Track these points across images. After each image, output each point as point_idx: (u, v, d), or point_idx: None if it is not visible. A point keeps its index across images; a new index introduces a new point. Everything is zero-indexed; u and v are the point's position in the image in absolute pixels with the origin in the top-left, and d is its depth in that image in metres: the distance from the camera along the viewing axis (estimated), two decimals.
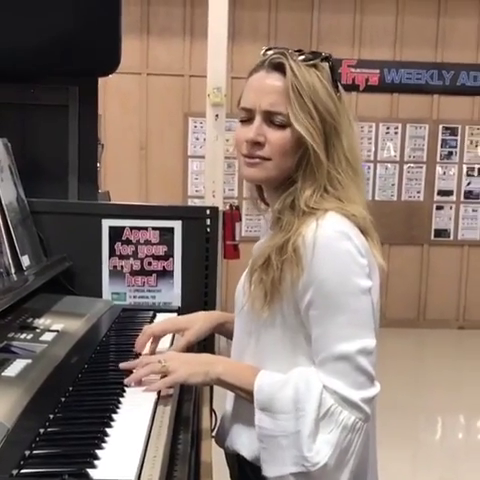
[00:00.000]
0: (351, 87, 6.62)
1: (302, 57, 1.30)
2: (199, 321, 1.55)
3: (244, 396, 1.30)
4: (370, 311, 1.26)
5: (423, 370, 5.81)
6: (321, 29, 6.61)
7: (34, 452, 0.95)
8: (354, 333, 1.23)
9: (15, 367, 1.25)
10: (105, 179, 6.08)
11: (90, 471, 0.89)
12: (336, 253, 1.24)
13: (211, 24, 5.33)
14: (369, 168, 6.72)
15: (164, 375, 1.29)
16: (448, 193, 6.81)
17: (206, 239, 2.01)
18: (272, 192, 1.39)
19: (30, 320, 1.59)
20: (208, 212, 2.04)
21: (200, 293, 2.03)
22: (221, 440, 1.48)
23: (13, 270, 1.69)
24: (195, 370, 1.30)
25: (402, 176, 6.77)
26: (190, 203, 6.46)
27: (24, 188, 1.93)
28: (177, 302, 2.03)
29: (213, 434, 1.66)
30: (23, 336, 1.46)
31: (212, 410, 1.83)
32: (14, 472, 0.89)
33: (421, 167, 6.78)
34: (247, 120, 1.33)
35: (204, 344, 1.73)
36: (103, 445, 0.99)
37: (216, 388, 1.92)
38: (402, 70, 6.65)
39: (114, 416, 1.10)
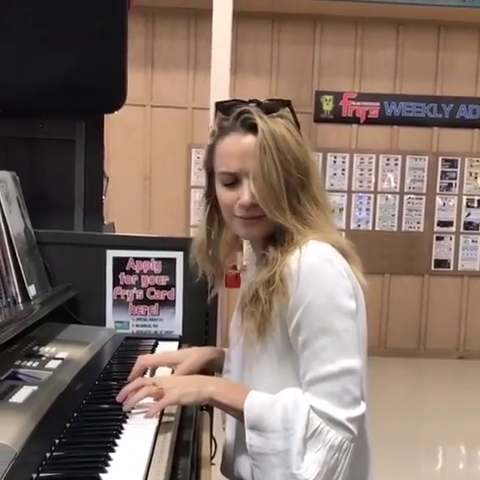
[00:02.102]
0: (352, 120, 6.73)
1: (265, 111, 1.35)
2: (192, 356, 1.60)
3: (235, 415, 1.36)
4: (355, 332, 1.31)
5: (423, 400, 5.81)
6: (322, 62, 6.73)
7: (41, 475, 1.00)
8: (339, 354, 1.28)
9: (22, 394, 1.30)
10: (109, 208, 6.15)
11: None
12: (320, 277, 1.30)
13: (214, 58, 5.44)
14: (370, 199, 6.80)
15: (159, 397, 1.34)
16: (448, 224, 6.87)
17: None
18: (257, 244, 1.45)
19: (36, 348, 1.64)
20: None
21: (201, 322, 2.08)
22: (229, 471, 1.52)
23: (20, 299, 1.74)
24: (188, 390, 1.35)
25: (402, 207, 6.84)
26: (192, 232, 6.53)
27: (31, 219, 1.99)
28: (178, 331, 2.08)
29: (213, 461, 1.70)
30: (29, 364, 1.51)
31: (212, 438, 1.87)
32: None
33: (421, 198, 6.85)
34: (231, 183, 1.37)
35: None
36: (107, 469, 1.03)
37: (216, 416, 1.97)
38: (402, 103, 6.75)
39: (117, 441, 1.15)
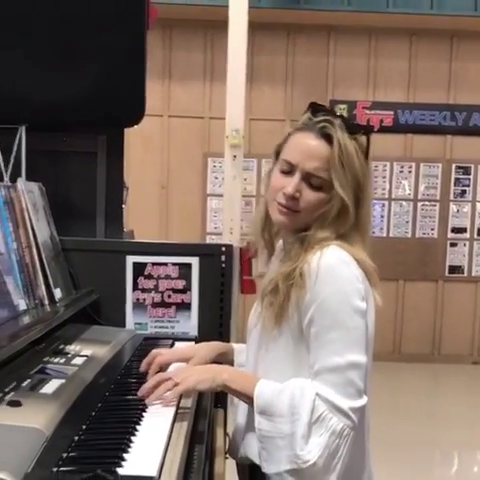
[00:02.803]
0: (366, 128, 6.83)
1: (347, 129, 1.49)
2: (202, 351, 1.72)
3: (246, 401, 1.48)
4: (363, 330, 1.43)
5: (437, 405, 5.87)
6: (336, 72, 6.85)
7: (70, 455, 1.12)
8: (347, 349, 1.40)
9: (51, 386, 1.42)
10: (128, 216, 6.30)
11: (118, 469, 1.06)
12: (336, 277, 1.43)
13: (230, 70, 5.55)
14: (384, 206, 6.89)
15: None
16: (462, 230, 6.95)
17: (221, 274, 2.19)
18: (288, 235, 1.57)
19: (62, 346, 1.77)
20: (223, 249, 2.22)
21: (215, 324, 2.19)
22: (234, 451, 1.64)
23: (47, 301, 1.87)
24: (203, 377, 1.47)
25: (416, 214, 6.93)
26: (208, 240, 6.65)
27: (56, 227, 2.12)
28: (194, 332, 2.20)
29: (226, 456, 1.82)
30: (56, 360, 1.64)
31: (226, 434, 1.98)
32: (54, 470, 1.06)
33: (435, 205, 6.93)
34: (287, 172, 1.51)
35: None
36: (129, 450, 1.15)
37: (229, 413, 2.08)
38: (416, 111, 6.85)
39: (137, 427, 1.27)
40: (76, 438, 1.19)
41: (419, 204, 6.93)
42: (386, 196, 6.90)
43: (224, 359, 1.76)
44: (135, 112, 2.13)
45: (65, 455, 1.11)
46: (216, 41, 6.61)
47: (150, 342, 2.04)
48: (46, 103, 2.11)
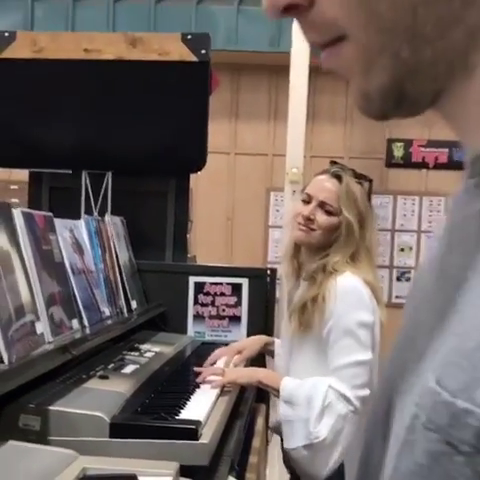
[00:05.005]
0: (421, 165, 7.21)
1: (353, 175, 2.02)
2: (251, 343, 2.24)
3: (275, 393, 1.95)
4: (370, 335, 1.89)
5: None
6: None
7: (143, 407, 1.60)
8: (354, 351, 1.86)
9: (129, 369, 1.92)
10: (196, 244, 6.84)
11: (175, 416, 1.54)
12: (350, 297, 1.91)
13: (291, 110, 6.05)
14: None
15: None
16: None
17: (265, 293, 2.66)
18: (310, 255, 2.06)
19: (136, 345, 2.26)
20: (268, 272, 2.69)
21: (261, 333, 2.66)
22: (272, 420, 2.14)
23: (125, 310, 2.39)
24: (243, 374, 1.95)
25: None
26: None
27: (133, 253, 2.64)
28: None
29: (268, 443, 2.30)
30: (132, 353, 2.13)
31: (268, 427, 2.44)
32: (131, 414, 1.54)
33: None
34: (307, 202, 2.04)
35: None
36: (184, 407, 1.63)
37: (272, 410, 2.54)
38: None
39: (191, 397, 1.75)
40: (147, 401, 1.68)
41: None
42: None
43: (267, 349, 2.26)
44: (198, 162, 2.65)
45: (139, 409, 1.60)
46: (280, 83, 7.12)
47: (206, 346, 2.53)
48: (128, 154, 2.64)
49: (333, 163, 2.12)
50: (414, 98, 0.48)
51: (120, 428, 1.41)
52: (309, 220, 2.00)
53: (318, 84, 6.99)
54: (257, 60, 7.10)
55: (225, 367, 2.08)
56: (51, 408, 1.42)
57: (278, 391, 1.94)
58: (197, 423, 1.45)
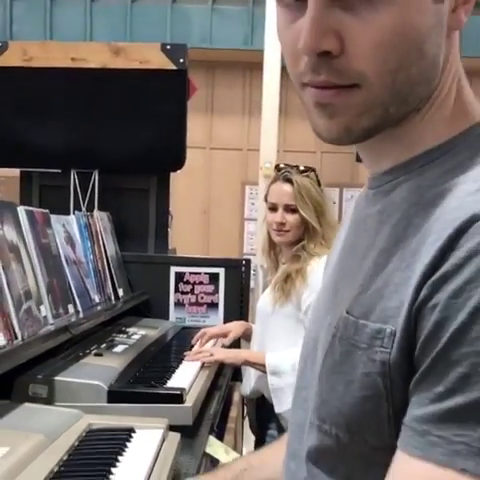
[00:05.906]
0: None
1: (300, 172, 2.29)
2: (237, 326, 2.53)
3: (260, 369, 2.21)
4: None
5: None
6: None
7: (134, 379, 1.85)
8: None
9: (119, 348, 2.15)
10: (174, 237, 7.06)
11: (163, 385, 1.79)
12: (318, 275, 2.18)
13: (264, 106, 6.28)
14: None
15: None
16: None
17: (241, 281, 2.91)
18: (287, 247, 2.33)
19: (124, 328, 2.50)
20: (243, 263, 2.94)
21: (236, 319, 2.91)
22: (245, 391, 2.40)
23: (113, 297, 2.62)
24: (229, 355, 2.22)
25: None
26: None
27: (119, 245, 2.88)
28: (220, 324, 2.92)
29: (244, 415, 2.58)
30: (121, 336, 2.37)
31: (244, 403, 2.69)
32: (125, 383, 1.79)
33: None
34: (274, 209, 2.34)
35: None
36: (170, 378, 1.88)
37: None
38: None
39: (176, 370, 2.00)
40: (137, 374, 1.92)
41: None
42: None
43: (246, 333, 2.54)
44: (178, 161, 2.89)
45: (132, 380, 1.84)
46: (254, 80, 7.36)
47: (187, 331, 2.77)
48: (114, 154, 2.87)
49: (278, 168, 2.40)
50: (375, 134, 0.67)
51: (117, 394, 1.66)
52: (282, 224, 2.29)
53: (291, 81, 7.21)
54: (231, 57, 7.33)
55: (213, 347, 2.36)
56: (56, 378, 1.66)
57: (264, 366, 2.20)
58: (182, 390, 1.70)
